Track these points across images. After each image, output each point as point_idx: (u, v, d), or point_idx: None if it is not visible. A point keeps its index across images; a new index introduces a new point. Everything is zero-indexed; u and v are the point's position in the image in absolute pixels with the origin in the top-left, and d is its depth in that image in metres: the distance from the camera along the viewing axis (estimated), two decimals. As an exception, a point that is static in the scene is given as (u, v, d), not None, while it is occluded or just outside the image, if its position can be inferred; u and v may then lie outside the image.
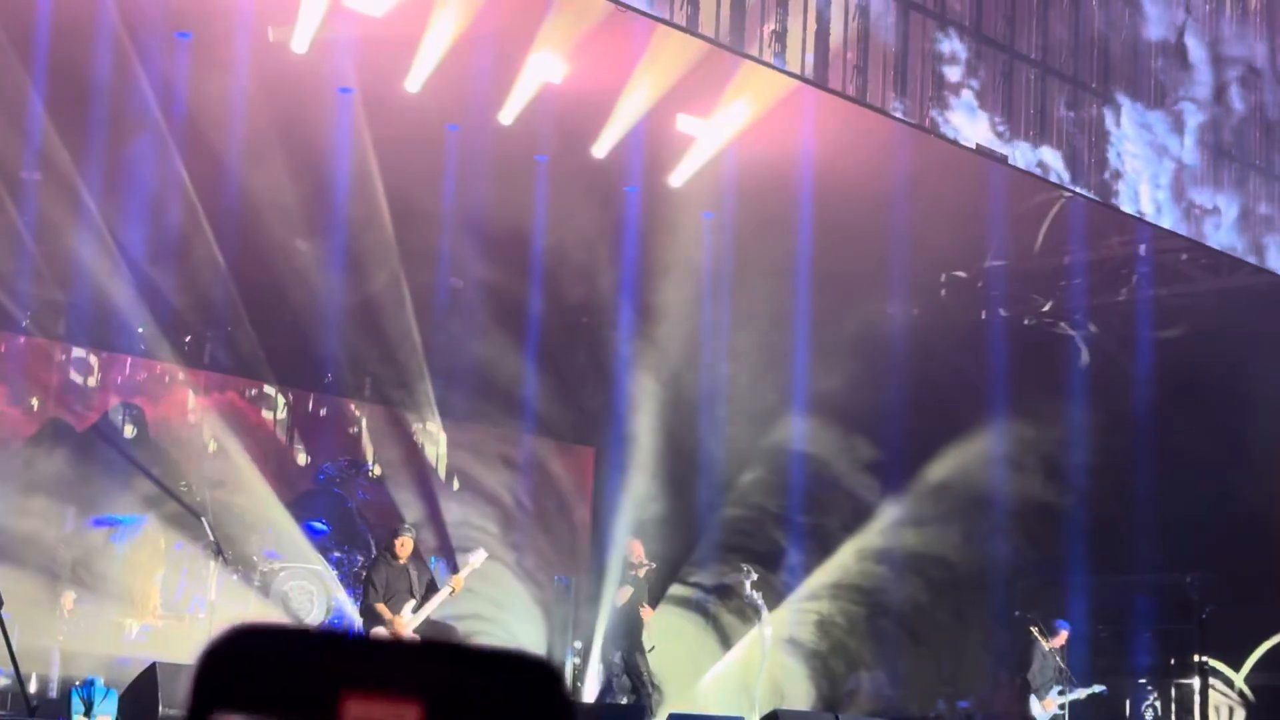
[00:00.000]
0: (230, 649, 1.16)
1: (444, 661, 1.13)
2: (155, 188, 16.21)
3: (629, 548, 15.83)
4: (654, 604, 15.75)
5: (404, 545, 13.44)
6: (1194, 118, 16.46)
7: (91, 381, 16.97)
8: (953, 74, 15.95)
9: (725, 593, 18.73)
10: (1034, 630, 16.17)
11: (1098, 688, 16.65)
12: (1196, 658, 18.75)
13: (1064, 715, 16.39)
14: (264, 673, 1.13)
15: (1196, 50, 16.47)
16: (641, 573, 15.32)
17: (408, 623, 13.17)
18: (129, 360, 17.14)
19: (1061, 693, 16.04)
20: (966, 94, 16.00)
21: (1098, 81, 16.57)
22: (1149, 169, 16.23)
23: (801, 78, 15.05)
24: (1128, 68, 16.36)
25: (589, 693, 16.01)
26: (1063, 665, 16.26)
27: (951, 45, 15.88)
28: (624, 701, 15.05)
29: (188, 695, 1.16)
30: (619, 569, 15.74)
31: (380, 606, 13.20)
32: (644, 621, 15.32)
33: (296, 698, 1.12)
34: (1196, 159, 16.59)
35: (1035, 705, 15.72)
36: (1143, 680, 19.71)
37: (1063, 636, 16.23)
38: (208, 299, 16.88)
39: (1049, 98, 16.55)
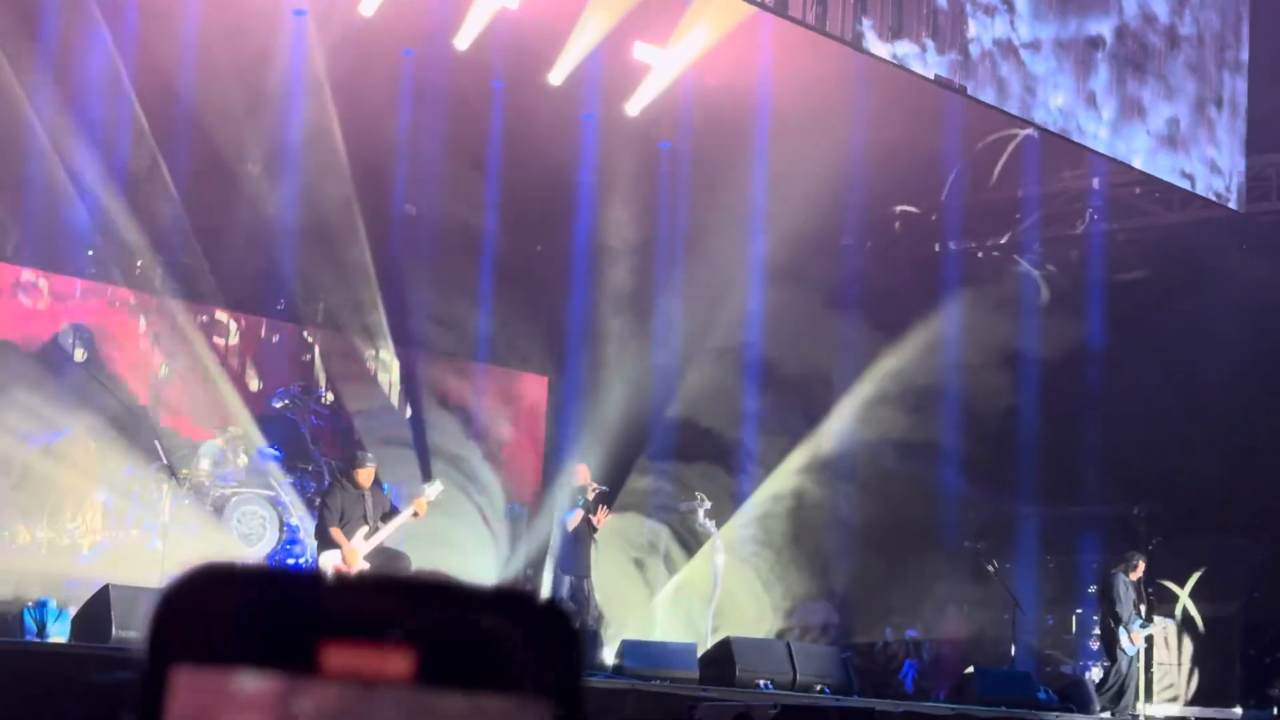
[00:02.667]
0: (191, 593, 0.99)
1: (437, 603, 1.00)
2: (105, 110, 16.01)
3: (576, 472, 15.85)
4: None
5: (365, 473, 13.40)
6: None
7: (41, 305, 16.82)
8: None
9: (678, 520, 18.81)
10: (1116, 566, 15.94)
11: (1160, 622, 16.69)
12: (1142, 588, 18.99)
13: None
14: (231, 620, 0.98)
15: None
16: (591, 494, 15.37)
17: (360, 549, 13.17)
18: (79, 284, 16.99)
19: (1143, 626, 15.91)
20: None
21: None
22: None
23: (760, 4, 14.97)
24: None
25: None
26: (1141, 597, 16.04)
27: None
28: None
29: (144, 647, 0.99)
30: (569, 495, 15.76)
31: (335, 531, 13.18)
32: (592, 544, 15.40)
33: (269, 647, 0.97)
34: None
35: (1124, 639, 15.57)
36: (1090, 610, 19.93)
37: (1140, 568, 15.99)
38: (159, 223, 16.71)
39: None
